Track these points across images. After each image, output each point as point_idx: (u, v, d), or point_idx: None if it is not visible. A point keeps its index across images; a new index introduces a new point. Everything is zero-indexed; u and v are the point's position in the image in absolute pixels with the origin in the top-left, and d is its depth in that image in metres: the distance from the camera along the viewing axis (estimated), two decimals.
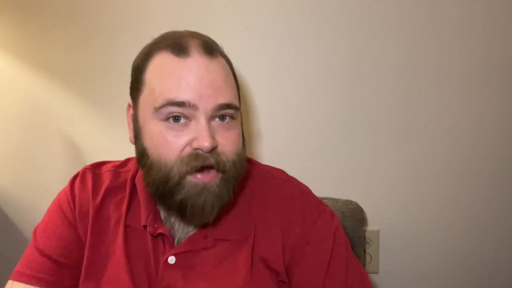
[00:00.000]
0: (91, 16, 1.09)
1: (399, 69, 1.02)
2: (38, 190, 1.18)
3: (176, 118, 0.58)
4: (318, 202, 0.70)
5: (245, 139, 0.67)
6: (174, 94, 0.57)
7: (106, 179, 0.70)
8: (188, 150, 0.57)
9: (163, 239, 0.65)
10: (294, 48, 1.04)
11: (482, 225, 1.05)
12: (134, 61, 0.65)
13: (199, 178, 0.58)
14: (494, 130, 1.02)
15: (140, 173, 0.69)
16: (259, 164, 0.75)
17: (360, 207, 0.96)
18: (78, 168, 1.14)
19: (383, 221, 1.07)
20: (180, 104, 0.56)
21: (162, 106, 0.57)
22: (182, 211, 0.59)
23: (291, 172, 0.75)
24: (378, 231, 1.07)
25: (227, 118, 0.60)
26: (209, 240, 0.64)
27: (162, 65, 0.59)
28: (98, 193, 0.68)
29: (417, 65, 1.01)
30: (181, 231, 0.66)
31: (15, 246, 1.21)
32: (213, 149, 0.57)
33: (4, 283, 0.66)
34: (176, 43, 0.60)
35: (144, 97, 0.61)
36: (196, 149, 0.57)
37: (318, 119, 1.06)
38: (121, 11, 1.08)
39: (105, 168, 0.73)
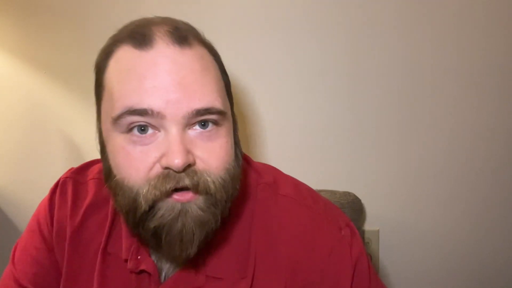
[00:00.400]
0: (91, 16, 1.09)
1: (401, 67, 1.02)
2: (38, 190, 1.18)
3: (142, 129, 0.45)
4: (333, 225, 0.55)
5: (240, 149, 0.54)
6: (134, 100, 0.44)
7: (90, 191, 0.59)
8: (157, 169, 0.45)
9: (149, 276, 0.54)
10: (294, 46, 1.04)
11: (483, 224, 1.05)
12: (96, 59, 0.53)
13: (176, 198, 0.45)
14: (495, 129, 1.02)
15: None
16: (262, 173, 0.60)
17: (358, 198, 0.97)
18: None
19: (383, 221, 1.07)
20: (142, 112, 0.44)
21: (120, 116, 0.44)
22: (157, 241, 0.47)
23: (294, 171, 0.75)
24: (378, 231, 1.07)
25: (209, 125, 0.46)
26: (200, 278, 0.52)
27: (121, 61, 0.47)
28: (78, 211, 0.58)
29: (418, 63, 1.01)
30: (170, 264, 0.55)
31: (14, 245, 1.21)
32: (188, 167, 0.45)
33: None
34: (137, 32, 0.47)
35: (104, 104, 0.49)
36: (166, 168, 0.44)
37: (320, 117, 1.06)
38: (121, 11, 1.08)
39: (90, 174, 0.61)
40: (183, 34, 0.47)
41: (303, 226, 0.54)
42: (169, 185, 0.44)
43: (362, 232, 1.02)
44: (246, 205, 0.56)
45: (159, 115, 0.44)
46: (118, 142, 0.46)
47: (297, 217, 0.55)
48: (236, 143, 0.52)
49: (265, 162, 0.70)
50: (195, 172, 0.45)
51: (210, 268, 0.53)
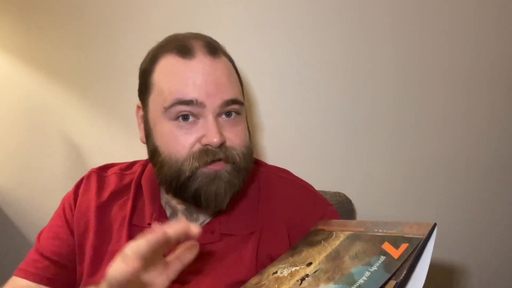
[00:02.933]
0: (91, 16, 1.09)
1: (394, 68, 1.02)
2: (38, 190, 1.18)
3: (185, 117, 0.61)
4: (323, 201, 0.73)
5: (250, 133, 0.70)
6: (183, 93, 0.60)
7: (112, 182, 0.73)
8: (198, 146, 0.60)
9: None
10: (292, 45, 1.04)
11: (482, 224, 1.05)
12: (141, 64, 0.68)
13: (210, 167, 0.61)
14: (495, 129, 1.02)
15: (146, 173, 0.73)
16: (266, 165, 0.78)
17: (348, 199, 0.97)
18: (78, 168, 1.16)
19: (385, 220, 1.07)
20: (188, 102, 0.59)
21: (172, 106, 0.60)
22: (197, 200, 0.62)
23: (296, 171, 0.76)
24: None
25: (233, 114, 0.63)
26: (216, 235, 0.66)
27: (169, 67, 0.62)
28: (103, 195, 0.71)
29: (413, 64, 1.01)
30: None
31: (15, 245, 1.21)
32: (221, 144, 0.60)
33: (5, 281, 0.69)
34: (181, 45, 0.63)
35: (153, 98, 0.64)
36: (205, 145, 0.60)
37: (312, 117, 1.06)
38: (121, 11, 1.08)
39: (111, 170, 0.76)
40: (214, 47, 0.64)
41: (300, 197, 0.71)
42: (209, 158, 0.60)
43: None
44: (252, 185, 0.72)
45: (201, 105, 0.60)
46: (167, 126, 0.61)
47: (296, 190, 0.73)
48: (248, 128, 0.69)
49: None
50: (226, 148, 0.61)
51: (224, 227, 0.67)
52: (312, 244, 0.60)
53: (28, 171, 1.18)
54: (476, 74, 1.00)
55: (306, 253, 0.58)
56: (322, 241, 0.59)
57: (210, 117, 0.60)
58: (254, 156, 0.69)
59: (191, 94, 0.59)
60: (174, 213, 0.69)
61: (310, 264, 0.54)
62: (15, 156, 1.18)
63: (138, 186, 0.72)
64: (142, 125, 0.68)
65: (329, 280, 0.49)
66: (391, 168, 1.05)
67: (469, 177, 1.04)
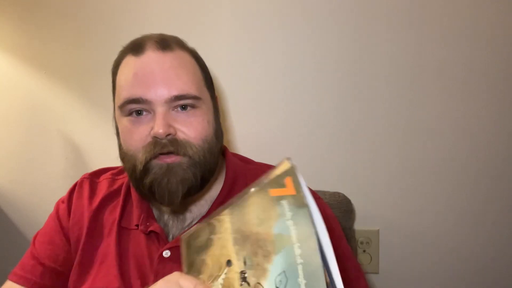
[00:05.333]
0: (91, 16, 1.09)
1: (394, 68, 1.02)
2: (38, 190, 1.18)
3: (139, 112, 0.62)
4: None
5: (221, 129, 0.69)
6: (130, 92, 0.61)
7: (103, 187, 0.74)
8: (149, 139, 0.61)
9: (157, 236, 0.67)
10: (285, 46, 1.04)
11: (482, 224, 1.05)
12: (112, 68, 0.70)
13: (163, 159, 0.61)
14: (494, 129, 1.01)
15: None
16: (252, 162, 0.78)
17: (347, 199, 0.97)
18: (78, 168, 1.16)
19: (383, 221, 1.07)
20: (136, 100, 0.61)
21: (123, 105, 0.62)
22: (152, 193, 0.62)
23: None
24: (378, 231, 1.07)
25: (188, 107, 0.63)
26: None
27: (125, 66, 0.64)
28: (95, 200, 0.72)
29: (412, 64, 1.01)
30: (176, 228, 0.69)
31: (15, 245, 1.21)
32: (170, 136, 0.61)
33: (4, 282, 0.69)
34: (135, 44, 0.65)
35: (116, 98, 0.67)
36: (154, 137, 0.60)
37: (315, 117, 1.06)
38: (121, 11, 1.08)
39: (103, 176, 0.77)
40: (167, 42, 0.64)
41: None
42: (156, 149, 0.60)
43: (353, 232, 1.01)
44: (238, 183, 0.71)
45: (147, 102, 0.61)
46: (124, 123, 0.64)
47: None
48: (217, 124, 0.68)
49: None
50: (176, 141, 0.61)
51: None
52: (202, 248, 0.51)
53: (28, 170, 1.18)
54: (486, 76, 1.00)
55: (210, 258, 0.50)
56: (211, 237, 0.51)
57: (158, 110, 0.61)
58: (255, 155, 0.69)
59: (137, 92, 0.61)
60: (161, 215, 0.70)
61: (229, 262, 0.48)
62: (15, 155, 1.18)
63: (128, 189, 0.72)
64: (114, 124, 0.70)
65: (266, 257, 0.44)
66: (391, 168, 1.05)
67: (468, 177, 1.04)
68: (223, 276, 0.47)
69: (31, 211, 1.19)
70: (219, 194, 0.69)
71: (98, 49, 1.10)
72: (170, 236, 0.68)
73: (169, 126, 0.60)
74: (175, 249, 0.65)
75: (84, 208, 0.71)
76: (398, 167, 1.05)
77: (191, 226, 0.66)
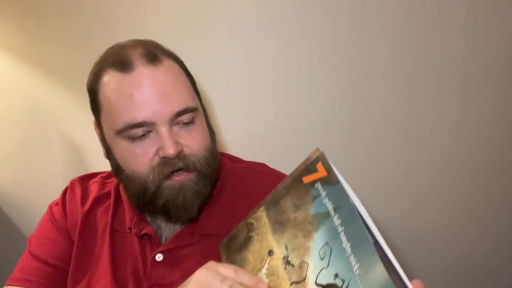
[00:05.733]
0: (91, 16, 1.09)
1: (395, 66, 1.02)
2: (38, 190, 1.18)
3: (143, 135, 0.59)
4: None
5: (213, 132, 0.69)
6: (131, 116, 0.58)
7: (94, 190, 0.73)
8: (156, 159, 0.59)
9: (150, 239, 0.67)
10: (283, 46, 1.04)
11: (482, 224, 1.05)
12: (87, 81, 0.67)
13: (175, 179, 0.60)
14: (493, 129, 1.02)
15: None
16: (241, 161, 0.78)
17: None
18: (78, 168, 1.16)
19: (383, 220, 1.07)
20: (139, 125, 0.58)
21: (123, 130, 0.59)
22: (166, 213, 0.62)
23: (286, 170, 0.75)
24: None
25: (189, 120, 0.61)
26: (195, 236, 0.66)
27: (111, 84, 0.60)
28: (87, 202, 0.71)
29: (412, 63, 1.01)
30: (168, 230, 0.68)
31: (15, 245, 1.21)
32: (179, 154, 0.59)
33: (5, 280, 0.67)
34: (118, 59, 0.60)
35: (104, 119, 0.63)
36: (163, 157, 0.59)
37: (312, 116, 1.06)
38: (121, 11, 1.08)
39: (93, 180, 0.76)
40: (154, 53, 0.61)
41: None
42: (168, 169, 0.59)
43: None
44: (227, 183, 0.71)
45: (150, 123, 0.58)
46: (123, 146, 0.60)
47: (270, 184, 0.67)
48: (209, 127, 0.67)
49: (252, 160, 0.78)
50: (185, 157, 0.60)
51: (204, 228, 0.66)
52: (242, 247, 0.54)
53: (28, 170, 1.18)
54: (486, 77, 1.00)
55: (252, 254, 0.52)
56: (250, 235, 0.54)
57: (163, 130, 0.58)
58: (243, 155, 0.69)
59: (139, 116, 0.57)
60: (154, 218, 0.69)
61: (270, 251, 0.50)
62: (15, 155, 1.18)
63: (118, 193, 0.71)
64: (101, 142, 0.67)
65: (306, 237, 0.46)
66: (390, 168, 1.05)
67: (467, 177, 1.04)
68: (266, 266, 0.49)
69: (31, 211, 1.19)
70: (211, 194, 0.68)
71: (98, 49, 1.09)
72: (163, 239, 0.68)
73: (177, 144, 0.59)
74: (167, 253, 0.65)
75: (78, 210, 0.70)
76: (398, 167, 1.05)
77: (182, 228, 0.67)
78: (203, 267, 0.48)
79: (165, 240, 0.67)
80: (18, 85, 1.14)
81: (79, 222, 0.69)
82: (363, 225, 0.41)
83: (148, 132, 0.59)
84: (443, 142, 1.03)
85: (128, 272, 0.65)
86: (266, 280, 0.48)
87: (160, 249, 0.65)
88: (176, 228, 0.68)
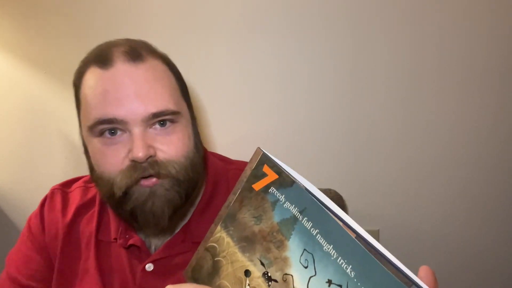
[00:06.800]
0: (92, 17, 1.09)
1: (392, 66, 1.02)
2: (38, 190, 1.18)
3: (112, 132, 0.55)
4: None
5: (200, 139, 0.64)
6: (102, 112, 0.54)
7: (76, 197, 0.69)
8: (126, 162, 0.55)
9: (138, 249, 0.63)
10: (281, 46, 1.04)
11: (482, 223, 1.05)
12: (73, 79, 0.63)
13: (145, 184, 0.56)
14: (494, 129, 1.01)
15: None
16: (233, 162, 0.73)
17: (339, 195, 0.96)
18: (78, 168, 1.15)
19: (383, 221, 1.07)
20: (109, 121, 0.54)
21: (94, 125, 0.55)
22: (134, 219, 0.57)
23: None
24: (378, 231, 1.07)
25: (167, 123, 0.57)
26: (187, 244, 0.62)
27: (91, 80, 0.57)
28: (68, 212, 0.67)
29: (409, 63, 1.01)
30: (158, 238, 0.64)
31: (14, 245, 1.21)
32: (150, 158, 0.55)
33: None
34: (100, 55, 0.57)
35: (82, 115, 0.59)
36: (132, 160, 0.54)
37: (307, 115, 1.06)
38: (121, 11, 1.08)
39: (75, 185, 0.72)
40: (137, 52, 0.57)
41: None
42: (136, 174, 0.54)
43: None
44: (219, 186, 0.67)
45: (122, 122, 0.54)
46: (95, 144, 0.57)
47: None
48: (195, 135, 0.62)
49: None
50: (156, 162, 0.55)
51: (195, 235, 0.63)
52: (213, 275, 0.48)
53: (28, 170, 1.18)
54: (486, 77, 1.00)
55: (226, 279, 0.47)
56: (216, 260, 0.49)
57: (135, 131, 0.54)
58: (240, 154, 0.67)
59: (110, 112, 0.54)
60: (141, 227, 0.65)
61: (247, 272, 0.45)
62: (15, 155, 1.18)
63: (102, 199, 0.67)
64: (82, 142, 0.63)
65: (280, 247, 0.42)
66: (391, 169, 1.05)
67: (467, 177, 1.04)
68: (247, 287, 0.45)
69: (31, 211, 1.19)
70: (202, 199, 0.65)
71: None
72: (153, 247, 0.64)
73: (149, 147, 0.54)
74: (158, 262, 0.62)
75: (58, 222, 0.66)
76: (398, 167, 1.05)
77: (173, 236, 0.63)
78: None
79: (155, 248, 0.64)
80: (18, 86, 1.14)
81: (61, 235, 0.64)
82: (338, 223, 0.38)
83: (122, 133, 0.55)
84: (443, 142, 1.03)
85: (116, 283, 0.62)
86: None
87: (150, 258, 0.62)
88: (166, 236, 0.64)
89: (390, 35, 1.00)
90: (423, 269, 0.35)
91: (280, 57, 1.05)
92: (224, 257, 0.47)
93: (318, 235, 0.39)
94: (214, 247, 0.49)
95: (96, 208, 0.66)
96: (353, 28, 1.01)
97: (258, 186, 0.46)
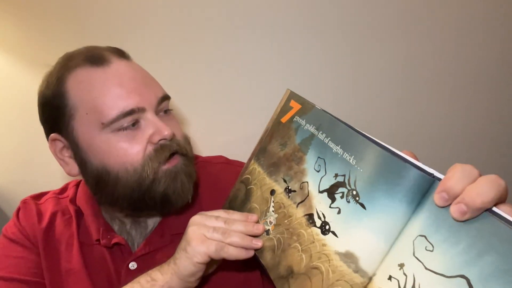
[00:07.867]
0: (92, 17, 1.09)
1: (385, 64, 1.02)
2: (38, 190, 1.17)
3: (133, 124, 0.58)
4: None
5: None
6: (123, 104, 0.57)
7: (49, 206, 0.70)
8: (149, 148, 0.58)
9: (121, 248, 0.65)
10: (280, 46, 1.04)
11: None
12: (42, 94, 0.66)
13: (168, 165, 0.60)
14: (494, 129, 1.02)
15: (80, 194, 0.70)
16: (198, 157, 0.78)
17: None
18: None
19: None
20: (131, 112, 0.57)
21: (115, 120, 0.57)
22: (166, 201, 0.60)
23: None
24: None
25: (169, 111, 0.64)
26: (166, 237, 0.65)
27: (86, 81, 0.58)
28: (44, 218, 0.68)
29: (408, 63, 1.01)
30: (139, 236, 0.67)
31: None
32: (173, 136, 0.60)
33: None
34: (90, 56, 0.59)
35: (80, 119, 0.59)
36: (158, 142, 0.58)
37: None
38: (122, 11, 1.08)
39: (45, 197, 0.73)
40: (122, 51, 0.63)
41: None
42: (166, 153, 0.58)
43: None
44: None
45: (141, 109, 0.58)
46: (110, 140, 0.58)
47: (232, 172, 0.70)
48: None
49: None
50: (177, 140, 0.60)
51: (173, 228, 0.66)
52: (245, 201, 0.55)
53: (27, 170, 1.18)
54: (486, 77, 1.00)
55: (256, 202, 0.53)
56: (249, 188, 0.55)
57: (152, 116, 0.59)
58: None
59: (131, 103, 0.57)
60: (122, 225, 0.67)
61: (272, 191, 0.51)
62: (14, 155, 1.18)
63: (76, 206, 0.69)
64: (66, 158, 0.64)
65: (299, 163, 0.48)
66: None
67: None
68: (272, 204, 0.51)
69: None
70: None
71: None
72: (135, 245, 0.66)
73: (169, 126, 0.60)
74: (141, 259, 0.63)
75: (35, 228, 0.66)
76: None
77: (152, 232, 0.65)
78: (196, 215, 0.51)
79: (137, 246, 0.66)
80: (18, 85, 1.14)
81: (40, 240, 0.65)
82: (347, 126, 0.43)
83: (137, 122, 0.58)
84: (444, 142, 1.03)
85: (104, 282, 0.63)
86: (276, 215, 0.49)
87: (132, 257, 0.63)
88: (147, 232, 0.66)
89: (392, 36, 1.00)
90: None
91: (280, 57, 1.05)
92: (255, 184, 0.54)
93: (330, 141, 0.45)
94: (247, 178, 0.55)
95: (72, 214, 0.68)
96: (353, 28, 1.01)
97: (285, 118, 0.52)
